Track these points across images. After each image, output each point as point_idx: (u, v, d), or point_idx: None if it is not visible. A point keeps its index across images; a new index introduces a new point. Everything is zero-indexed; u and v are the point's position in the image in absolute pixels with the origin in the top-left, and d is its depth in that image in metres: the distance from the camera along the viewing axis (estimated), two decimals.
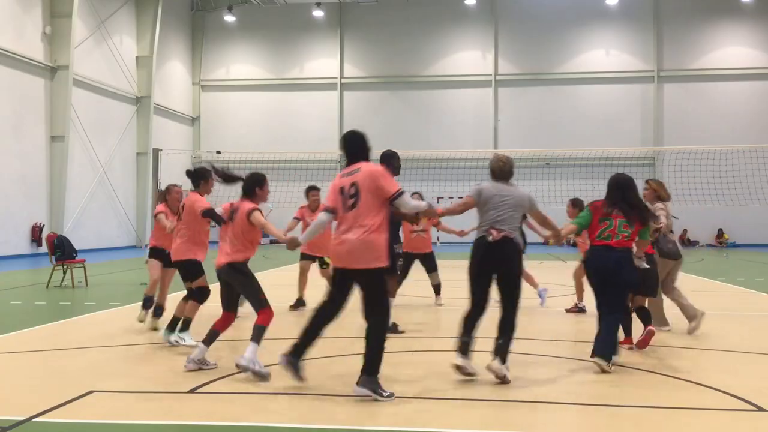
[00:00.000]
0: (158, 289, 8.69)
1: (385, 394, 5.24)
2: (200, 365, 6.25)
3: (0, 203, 21.79)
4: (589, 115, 32.74)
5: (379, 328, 5.39)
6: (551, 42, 33.24)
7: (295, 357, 5.58)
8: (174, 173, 31.28)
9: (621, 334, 6.89)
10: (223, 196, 8.91)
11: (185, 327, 7.45)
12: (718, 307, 10.92)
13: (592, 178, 27.03)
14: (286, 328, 7.86)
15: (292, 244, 5.94)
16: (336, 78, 34.68)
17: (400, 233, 9.07)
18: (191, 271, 7.50)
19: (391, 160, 8.45)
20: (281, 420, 4.95)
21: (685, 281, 15.34)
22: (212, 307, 7.82)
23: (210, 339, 6.29)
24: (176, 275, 8.27)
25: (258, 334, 6.10)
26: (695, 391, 5.67)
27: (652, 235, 7.28)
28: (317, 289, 8.83)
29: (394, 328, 8.59)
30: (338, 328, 8.50)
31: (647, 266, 7.16)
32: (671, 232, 8.28)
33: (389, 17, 34.17)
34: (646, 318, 7.33)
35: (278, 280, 14.02)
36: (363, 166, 5.44)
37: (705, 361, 6.95)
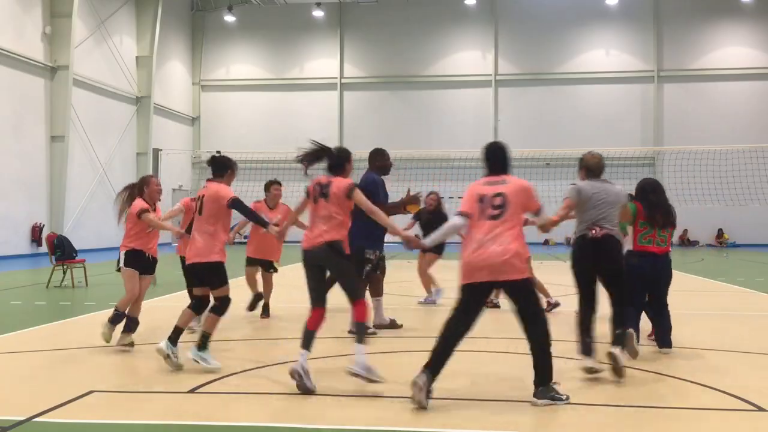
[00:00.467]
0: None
1: (564, 397, 5.23)
2: (305, 374, 5.49)
3: (0, 203, 21.79)
4: (589, 115, 32.74)
5: (545, 334, 5.40)
6: (551, 42, 33.24)
7: (428, 377, 5.15)
8: (174, 173, 31.37)
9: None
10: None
11: (205, 345, 6.27)
12: (718, 307, 10.92)
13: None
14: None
15: (413, 244, 5.80)
16: (336, 78, 34.68)
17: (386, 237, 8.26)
18: (217, 276, 6.39)
19: (374, 159, 8.45)
20: (281, 420, 4.95)
21: (686, 281, 15.35)
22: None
23: (308, 342, 5.65)
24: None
25: (361, 332, 5.64)
26: (695, 391, 5.66)
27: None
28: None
29: (393, 324, 8.59)
30: (338, 328, 8.53)
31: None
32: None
33: (389, 17, 34.17)
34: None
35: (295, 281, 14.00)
36: (510, 179, 5.46)
37: (705, 361, 6.95)
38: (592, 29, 33.45)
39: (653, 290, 7.07)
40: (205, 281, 6.46)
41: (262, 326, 9.00)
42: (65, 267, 13.43)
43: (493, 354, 7.07)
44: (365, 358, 5.53)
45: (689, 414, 5.18)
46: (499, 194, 5.33)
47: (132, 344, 7.23)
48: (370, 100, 34.55)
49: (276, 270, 9.56)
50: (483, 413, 5.11)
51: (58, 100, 24.12)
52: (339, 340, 7.91)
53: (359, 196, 5.78)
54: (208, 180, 6.60)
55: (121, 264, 7.39)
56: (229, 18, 34.81)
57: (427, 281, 11.26)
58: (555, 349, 6.85)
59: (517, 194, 5.35)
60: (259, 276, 9.67)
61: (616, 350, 5.92)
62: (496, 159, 5.60)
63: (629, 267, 6.61)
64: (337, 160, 5.99)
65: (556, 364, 6.10)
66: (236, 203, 6.31)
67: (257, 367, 6.38)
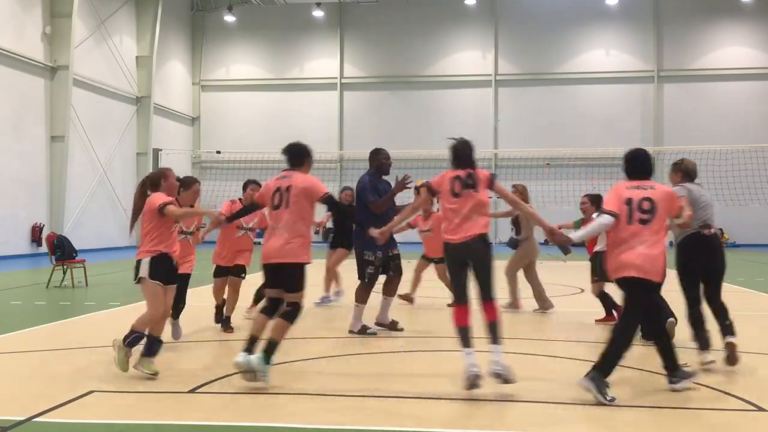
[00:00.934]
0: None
1: (607, 398, 5.21)
2: (504, 369, 5.43)
3: (0, 203, 21.80)
4: (589, 115, 32.72)
5: (660, 330, 5.78)
6: (551, 42, 33.23)
7: (600, 374, 5.30)
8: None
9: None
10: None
11: (271, 354, 5.59)
12: None
13: (592, 177, 27.05)
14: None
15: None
16: (336, 78, 34.67)
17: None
18: (300, 278, 5.81)
19: (372, 159, 8.40)
20: (281, 420, 4.94)
21: None
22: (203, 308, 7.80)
23: (468, 339, 5.57)
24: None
25: (496, 331, 5.58)
26: (695, 391, 5.66)
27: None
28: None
29: (394, 326, 8.55)
30: (338, 328, 8.52)
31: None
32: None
33: (389, 17, 34.16)
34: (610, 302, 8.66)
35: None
36: (656, 185, 5.70)
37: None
38: (592, 29, 33.44)
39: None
40: (286, 284, 5.80)
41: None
42: (65, 267, 13.43)
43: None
44: (503, 357, 5.52)
45: (689, 414, 5.18)
46: (647, 199, 5.56)
47: (156, 374, 5.92)
48: (370, 100, 34.55)
49: (244, 277, 8.59)
50: (483, 413, 5.11)
51: (58, 100, 24.12)
52: (340, 340, 7.92)
53: (501, 187, 5.99)
54: (287, 169, 6.01)
55: (143, 274, 6.04)
56: (229, 18, 34.81)
57: (331, 279, 10.86)
58: (557, 349, 6.84)
59: (663, 200, 5.61)
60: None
61: (734, 339, 6.34)
62: (643, 165, 5.83)
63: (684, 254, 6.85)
64: (468, 152, 6.03)
65: (567, 364, 6.12)
66: (329, 199, 5.93)
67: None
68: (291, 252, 5.73)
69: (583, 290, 12.52)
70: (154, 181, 6.27)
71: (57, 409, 5.03)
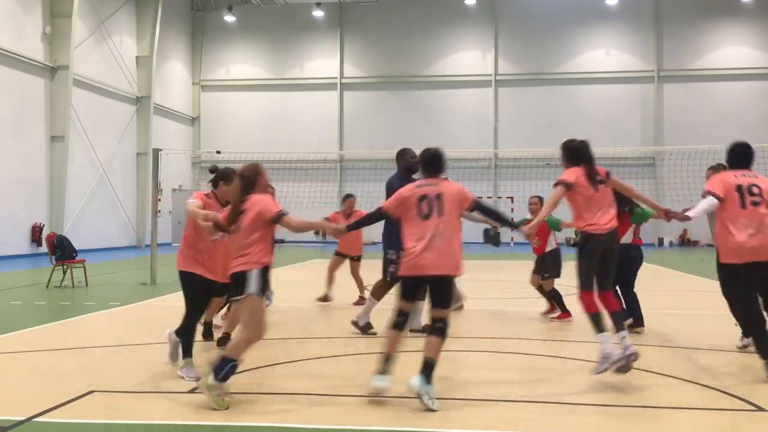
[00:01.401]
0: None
1: None
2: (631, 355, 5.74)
3: (0, 203, 21.80)
4: (589, 115, 32.72)
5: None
6: (551, 42, 33.24)
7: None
8: (174, 173, 31.34)
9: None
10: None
11: (431, 373, 5.19)
12: (719, 307, 10.89)
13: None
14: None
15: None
16: (336, 78, 34.68)
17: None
18: (454, 292, 5.71)
19: (398, 160, 8.19)
20: (282, 420, 4.94)
21: (686, 281, 15.36)
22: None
23: (602, 324, 5.85)
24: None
25: (616, 320, 5.91)
26: (695, 391, 5.66)
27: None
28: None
29: (368, 328, 8.21)
30: (339, 328, 8.52)
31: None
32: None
33: (389, 17, 34.17)
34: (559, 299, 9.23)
35: (293, 280, 14.00)
36: (758, 174, 6.26)
37: (704, 361, 6.94)
38: (592, 29, 33.45)
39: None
40: (440, 297, 5.42)
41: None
42: (65, 267, 13.42)
43: (492, 354, 7.07)
44: (611, 346, 5.74)
45: (689, 414, 5.18)
46: (755, 185, 6.11)
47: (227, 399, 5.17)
48: (370, 100, 34.55)
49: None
50: (483, 413, 5.11)
51: (58, 100, 24.12)
52: (340, 340, 7.91)
53: (616, 180, 6.45)
54: (433, 177, 5.65)
55: (253, 290, 5.17)
56: (229, 18, 34.82)
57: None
58: (560, 350, 6.82)
59: None
60: None
61: None
62: (746, 155, 6.36)
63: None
64: (587, 151, 6.48)
65: (566, 364, 6.12)
66: (480, 205, 5.78)
67: (257, 367, 6.37)
68: (453, 264, 5.39)
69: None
70: (251, 180, 5.58)
71: (57, 409, 5.03)
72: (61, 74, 24.10)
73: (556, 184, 6.18)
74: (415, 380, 5.12)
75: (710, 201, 6.14)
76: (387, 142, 32.77)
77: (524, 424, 4.88)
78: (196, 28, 35.53)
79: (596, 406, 5.28)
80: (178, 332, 6.09)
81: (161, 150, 16.20)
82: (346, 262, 11.02)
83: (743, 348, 7.03)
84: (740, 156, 6.35)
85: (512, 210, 29.51)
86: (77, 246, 14.45)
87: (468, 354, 7.16)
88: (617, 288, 7.65)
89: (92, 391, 5.49)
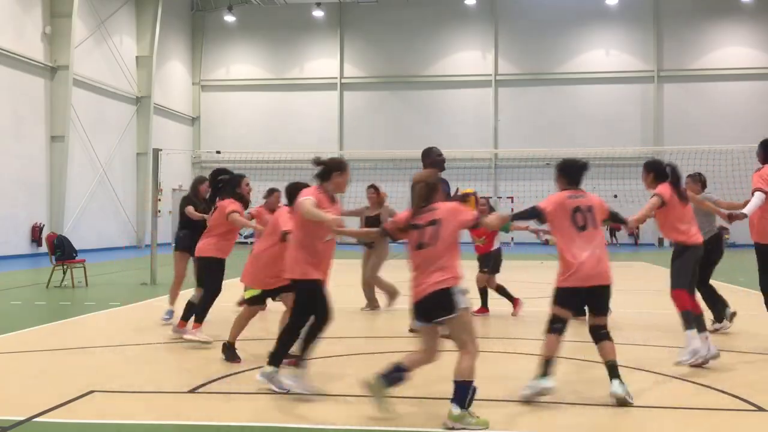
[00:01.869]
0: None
1: None
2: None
3: (0, 203, 21.80)
4: (589, 115, 32.74)
5: None
6: (551, 42, 33.25)
7: None
8: (174, 173, 31.35)
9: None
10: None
11: (619, 374, 5.37)
12: None
13: (592, 178, 26.80)
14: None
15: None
16: (336, 78, 34.68)
17: None
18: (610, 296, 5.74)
19: (424, 160, 8.04)
20: (282, 420, 4.94)
21: None
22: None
23: (702, 324, 6.64)
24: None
25: (688, 320, 6.53)
26: (695, 391, 5.66)
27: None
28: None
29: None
30: (342, 328, 8.52)
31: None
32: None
33: (389, 17, 34.18)
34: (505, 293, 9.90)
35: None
36: None
37: None
38: (592, 29, 33.46)
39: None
40: (601, 306, 5.64)
41: (261, 326, 8.98)
42: (65, 267, 13.43)
43: (494, 354, 7.06)
44: (697, 343, 6.40)
45: (689, 414, 5.18)
46: None
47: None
48: (370, 100, 34.56)
49: None
50: (483, 413, 5.11)
51: (58, 100, 24.12)
52: (340, 340, 7.91)
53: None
54: (578, 188, 5.88)
55: (462, 305, 4.91)
56: (229, 18, 34.83)
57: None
58: (563, 350, 6.76)
59: None
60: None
61: None
62: None
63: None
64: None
65: (566, 364, 6.07)
66: (617, 216, 6.33)
67: (258, 367, 6.37)
68: (609, 274, 5.57)
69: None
70: (434, 186, 5.20)
71: (57, 409, 5.03)
72: (61, 74, 24.10)
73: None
74: (615, 386, 5.28)
75: (762, 195, 7.18)
76: (387, 142, 32.82)
77: (524, 424, 4.88)
78: (196, 28, 35.54)
79: (596, 406, 5.28)
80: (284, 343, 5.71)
81: (161, 150, 16.21)
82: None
83: (714, 331, 7.82)
84: None
85: (512, 210, 29.52)
86: (77, 246, 14.46)
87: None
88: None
89: (92, 391, 5.49)
